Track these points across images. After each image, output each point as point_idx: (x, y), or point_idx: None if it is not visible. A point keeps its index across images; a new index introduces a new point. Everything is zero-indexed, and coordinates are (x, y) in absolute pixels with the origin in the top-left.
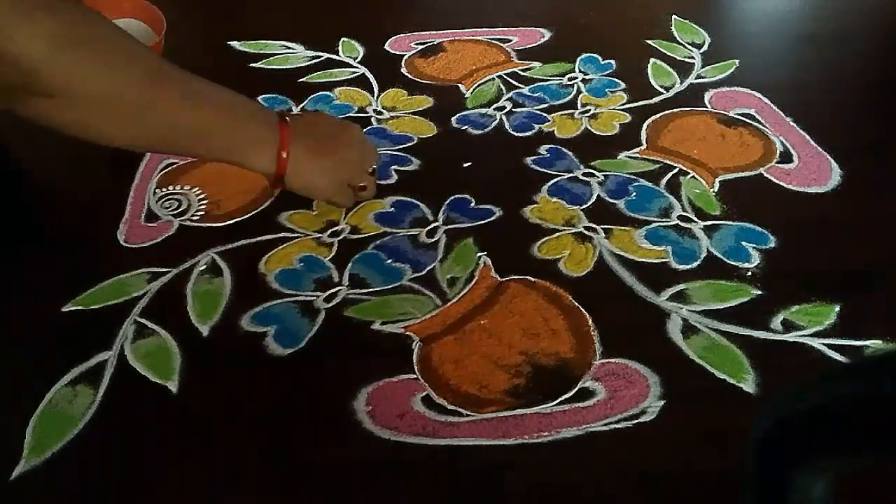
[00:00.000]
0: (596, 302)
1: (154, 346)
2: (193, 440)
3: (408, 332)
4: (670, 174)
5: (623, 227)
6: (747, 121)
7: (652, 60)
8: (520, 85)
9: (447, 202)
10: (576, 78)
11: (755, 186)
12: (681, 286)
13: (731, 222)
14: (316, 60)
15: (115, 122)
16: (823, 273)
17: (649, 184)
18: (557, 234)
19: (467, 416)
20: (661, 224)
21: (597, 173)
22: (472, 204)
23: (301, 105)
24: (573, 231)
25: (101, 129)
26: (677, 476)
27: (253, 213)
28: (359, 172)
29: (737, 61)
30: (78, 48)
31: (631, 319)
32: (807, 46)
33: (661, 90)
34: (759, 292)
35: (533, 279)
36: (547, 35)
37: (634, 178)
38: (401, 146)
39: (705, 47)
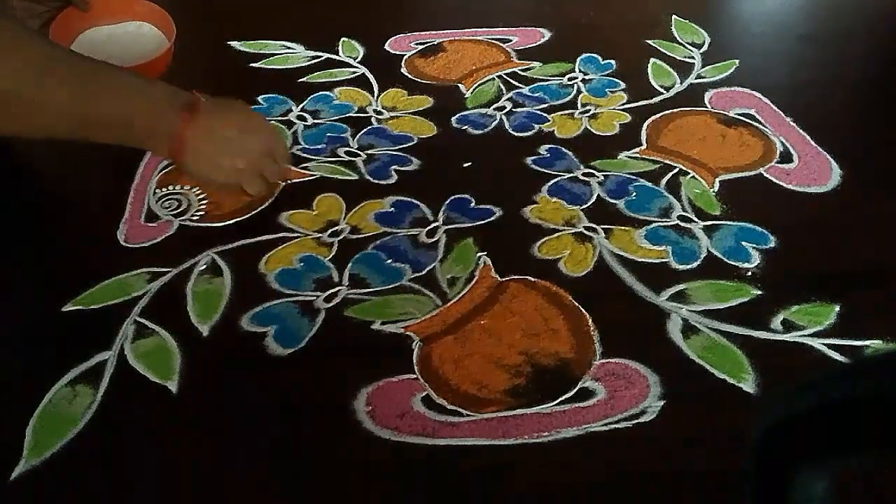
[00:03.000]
0: (596, 302)
1: (154, 345)
2: (193, 440)
3: (408, 332)
4: (670, 174)
5: (623, 227)
6: (747, 121)
7: (652, 60)
8: (520, 85)
9: (447, 202)
10: (576, 78)
11: (755, 186)
12: (681, 286)
13: (731, 222)
14: (316, 60)
15: (5, 117)
16: (823, 273)
17: (649, 184)
18: (557, 234)
19: (467, 416)
20: (661, 224)
21: (597, 173)
22: (472, 204)
23: (301, 105)
24: (573, 231)
25: None
26: (677, 476)
27: (253, 213)
28: (249, 179)
29: (737, 61)
30: None
31: (631, 319)
32: (807, 46)
33: (661, 90)
34: (759, 292)
35: (533, 279)
36: (547, 35)
37: (634, 178)
38: (401, 146)
39: (705, 47)
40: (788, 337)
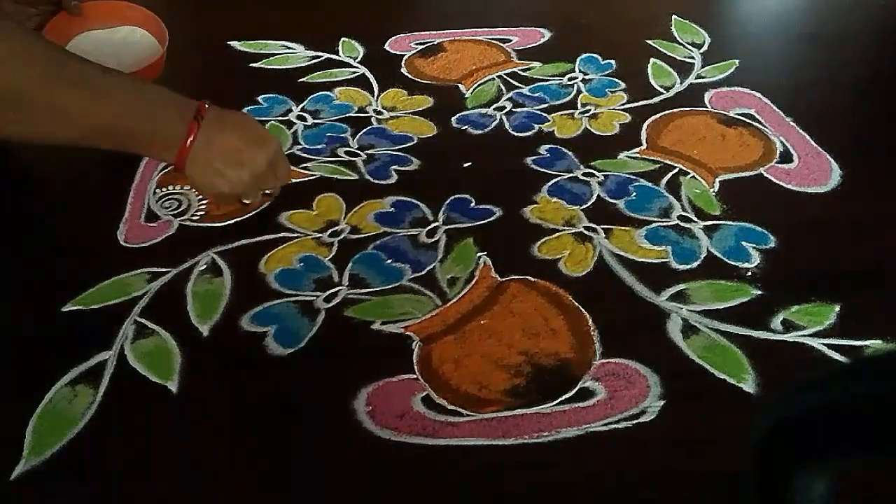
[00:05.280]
0: (596, 302)
1: (154, 346)
2: (193, 440)
3: (408, 332)
4: (670, 174)
5: (623, 227)
6: (747, 121)
7: (652, 60)
8: (520, 85)
9: (447, 202)
10: (576, 78)
11: (755, 186)
12: (681, 286)
13: (731, 222)
14: (316, 60)
15: (20, 122)
16: (823, 273)
17: (649, 184)
18: (557, 234)
19: (467, 416)
20: (661, 224)
21: (597, 173)
22: (472, 204)
23: (301, 105)
24: (573, 231)
25: (5, 128)
26: (677, 476)
27: (253, 213)
28: (249, 193)
29: (737, 61)
30: None
31: (631, 319)
32: (807, 46)
33: (662, 90)
34: (759, 292)
35: (533, 279)
36: (547, 35)
37: (634, 178)
38: (401, 146)
39: (705, 47)
40: (788, 337)
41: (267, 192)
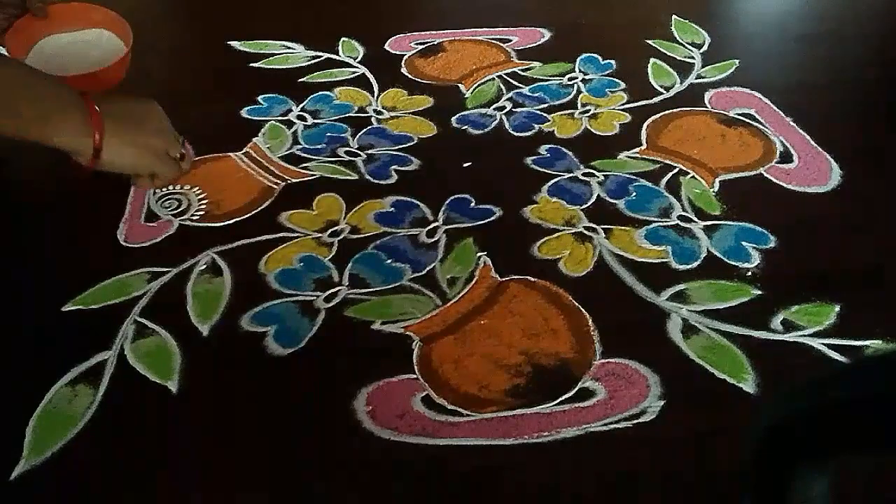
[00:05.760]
0: (596, 302)
1: (154, 346)
2: (193, 440)
3: (408, 332)
4: (670, 174)
5: (623, 227)
6: (747, 121)
7: (652, 60)
8: (520, 85)
9: (447, 202)
10: (576, 78)
11: (755, 186)
12: (681, 286)
13: (731, 222)
14: (316, 60)
15: None
16: (823, 273)
17: (649, 184)
18: (557, 234)
19: (467, 416)
20: (661, 224)
21: (597, 173)
22: (472, 204)
23: (301, 105)
24: (573, 231)
25: None
26: (677, 476)
27: (253, 213)
28: (172, 141)
29: (737, 61)
30: None
31: (631, 319)
32: (807, 46)
33: (662, 90)
34: (759, 292)
35: (533, 279)
36: (547, 35)
37: (634, 178)
38: (401, 146)
39: (705, 47)
40: (788, 337)
41: (183, 159)
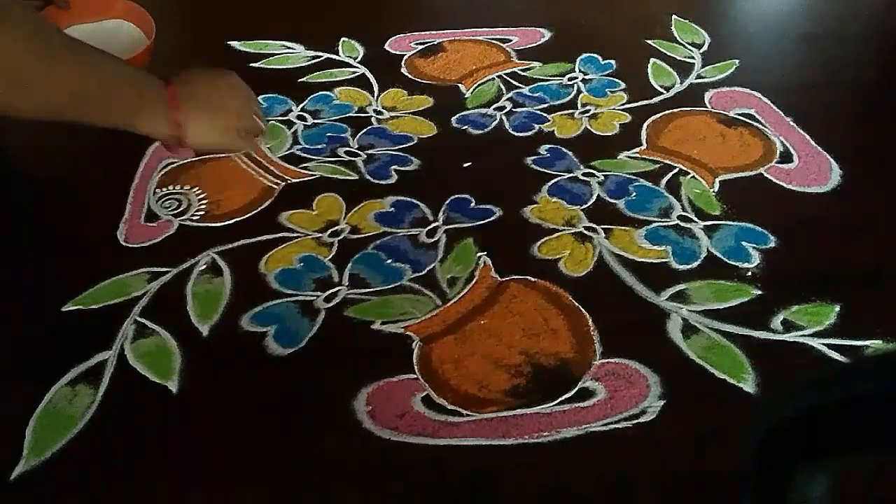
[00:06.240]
0: (596, 302)
1: (154, 345)
2: (193, 440)
3: (408, 332)
4: (670, 174)
5: (623, 227)
6: (747, 121)
7: (652, 60)
8: (520, 85)
9: (447, 202)
10: (576, 78)
11: (755, 186)
12: (681, 286)
13: (731, 222)
14: (316, 60)
15: (10, 91)
16: (823, 273)
17: (649, 184)
18: (557, 234)
19: (467, 416)
20: (661, 224)
21: (597, 173)
22: (472, 204)
23: (301, 105)
24: (573, 231)
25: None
26: (677, 476)
27: (253, 213)
28: (248, 117)
29: (737, 61)
30: None
31: (631, 319)
32: (807, 46)
33: (662, 90)
34: (759, 292)
35: (533, 279)
36: (547, 35)
37: (634, 178)
38: (401, 146)
39: (705, 47)
40: (788, 337)
41: (259, 132)
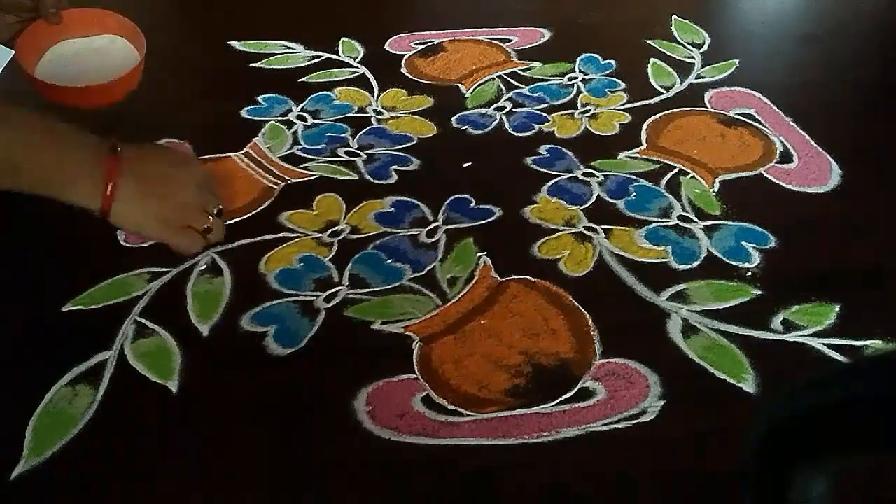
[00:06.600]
0: (596, 302)
1: (154, 345)
2: (193, 440)
3: (408, 332)
4: (670, 174)
5: (623, 227)
6: (747, 121)
7: (652, 60)
8: (520, 85)
9: (447, 202)
10: (576, 78)
11: (755, 186)
12: (681, 286)
13: (731, 222)
14: (316, 60)
15: None
16: (823, 273)
17: (649, 184)
18: (557, 234)
19: (467, 416)
20: (661, 224)
21: (597, 173)
22: (472, 204)
23: (301, 105)
24: (573, 231)
25: None
26: (677, 476)
27: (253, 213)
28: (196, 215)
29: (737, 61)
30: None
31: (631, 319)
32: (807, 46)
33: (662, 90)
34: (759, 292)
35: (533, 279)
36: (547, 35)
37: (634, 178)
38: (401, 146)
39: (705, 47)
40: (788, 337)
41: (213, 212)
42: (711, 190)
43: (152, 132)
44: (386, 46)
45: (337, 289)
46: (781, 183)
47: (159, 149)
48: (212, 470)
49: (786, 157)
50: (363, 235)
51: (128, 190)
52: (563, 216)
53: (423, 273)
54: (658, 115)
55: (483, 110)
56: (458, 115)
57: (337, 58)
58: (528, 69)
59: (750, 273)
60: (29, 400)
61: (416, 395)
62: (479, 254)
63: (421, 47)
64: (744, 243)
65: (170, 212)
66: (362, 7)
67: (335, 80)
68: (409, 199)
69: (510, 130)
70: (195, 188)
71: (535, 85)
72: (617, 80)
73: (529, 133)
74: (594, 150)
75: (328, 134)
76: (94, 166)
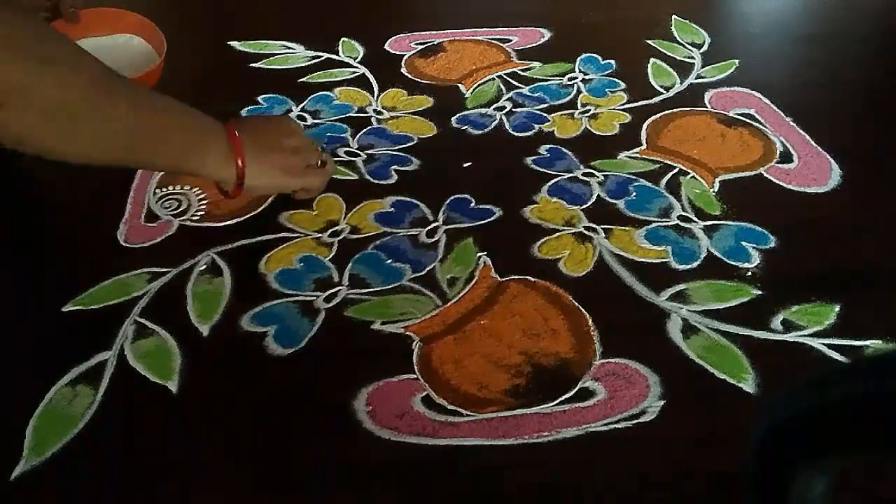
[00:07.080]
0: (596, 302)
1: (154, 346)
2: (193, 440)
3: (408, 332)
4: (670, 174)
5: (623, 227)
6: (747, 121)
7: (652, 60)
8: (520, 85)
9: (447, 202)
10: (576, 78)
11: (755, 186)
12: (681, 286)
13: (731, 222)
14: (316, 60)
15: (67, 134)
16: (823, 273)
17: (649, 184)
18: (557, 234)
19: (467, 416)
20: (661, 224)
21: (597, 173)
22: (472, 204)
23: (301, 105)
24: (573, 231)
25: (52, 142)
26: (677, 476)
27: (253, 213)
28: (310, 154)
29: (737, 61)
30: (19, 53)
31: (631, 319)
32: (807, 46)
33: (661, 90)
34: (759, 292)
35: (533, 279)
36: (547, 35)
37: (634, 178)
38: (401, 146)
39: (705, 47)
40: (788, 337)
41: (324, 167)
42: (711, 190)
43: None
44: (386, 46)
45: (337, 289)
46: (781, 183)
47: (247, 117)
48: (212, 470)
49: (786, 158)
50: (363, 235)
51: (251, 154)
52: (563, 216)
53: (423, 273)
54: (658, 115)
55: (483, 110)
56: (458, 115)
57: (337, 58)
58: (528, 69)
59: (750, 273)
60: (29, 400)
61: (415, 395)
62: (479, 254)
63: (421, 47)
64: (744, 243)
65: (289, 160)
66: (362, 7)
67: (335, 80)
68: (409, 199)
69: (510, 130)
70: (296, 133)
71: (535, 85)
72: (617, 80)
73: (529, 133)
74: (594, 150)
75: (328, 134)
76: (219, 140)
